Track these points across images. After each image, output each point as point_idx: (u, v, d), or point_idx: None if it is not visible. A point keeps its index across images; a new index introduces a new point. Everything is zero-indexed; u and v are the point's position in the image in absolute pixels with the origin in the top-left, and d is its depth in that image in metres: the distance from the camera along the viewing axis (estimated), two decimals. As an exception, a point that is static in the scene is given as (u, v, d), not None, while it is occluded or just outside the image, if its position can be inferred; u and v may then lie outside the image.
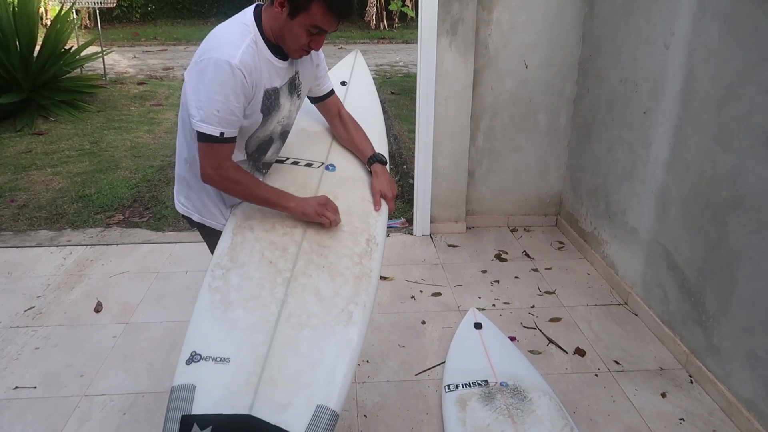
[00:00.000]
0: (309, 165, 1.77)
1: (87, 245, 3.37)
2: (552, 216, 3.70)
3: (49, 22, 10.84)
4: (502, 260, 3.24)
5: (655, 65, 2.57)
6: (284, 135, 1.73)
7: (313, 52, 1.61)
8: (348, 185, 1.72)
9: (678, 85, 2.41)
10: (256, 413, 1.19)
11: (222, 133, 1.44)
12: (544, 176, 3.61)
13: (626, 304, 2.81)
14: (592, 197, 3.23)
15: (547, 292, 2.90)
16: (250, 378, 1.25)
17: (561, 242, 3.47)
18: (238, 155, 1.64)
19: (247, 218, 1.61)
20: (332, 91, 1.83)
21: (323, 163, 1.78)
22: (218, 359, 1.27)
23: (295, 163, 1.77)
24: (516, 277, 3.05)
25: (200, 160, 1.49)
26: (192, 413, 1.18)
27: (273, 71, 1.52)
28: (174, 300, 2.80)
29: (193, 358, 1.28)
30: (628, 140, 2.82)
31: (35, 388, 2.19)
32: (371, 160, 1.79)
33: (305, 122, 1.95)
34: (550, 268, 3.14)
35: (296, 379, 1.25)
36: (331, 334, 1.35)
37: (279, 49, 1.53)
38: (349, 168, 1.79)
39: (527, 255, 3.30)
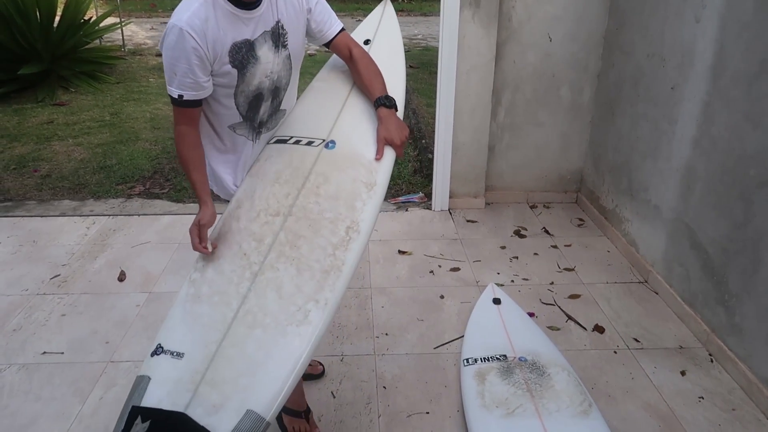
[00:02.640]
0: (310, 143, 1.69)
1: (109, 215, 3.41)
2: (572, 193, 3.67)
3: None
4: (521, 236, 3.23)
5: (685, 39, 2.50)
6: (276, 92, 1.67)
7: None
8: (343, 164, 1.62)
9: (708, 60, 2.35)
10: (190, 412, 1.21)
11: (180, 96, 1.47)
12: (565, 152, 3.57)
13: (646, 282, 2.79)
14: (614, 174, 3.19)
15: (566, 269, 2.89)
16: (194, 376, 1.27)
17: (581, 219, 3.44)
18: (234, 117, 1.63)
19: (238, 206, 1.59)
20: (340, 32, 1.75)
21: (324, 140, 1.69)
22: (174, 354, 1.31)
23: (297, 142, 1.71)
24: (535, 254, 3.04)
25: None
26: (141, 405, 1.23)
27: (238, 23, 1.49)
28: (195, 270, 2.83)
29: (157, 350, 1.32)
30: (653, 116, 2.77)
31: (62, 353, 2.24)
32: (376, 104, 1.67)
33: (319, 86, 1.88)
34: (569, 245, 3.13)
35: (235, 382, 1.25)
36: (282, 335, 1.32)
37: (244, 3, 1.49)
38: (349, 144, 1.68)
39: (547, 231, 3.29)
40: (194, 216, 1.53)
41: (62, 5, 6.36)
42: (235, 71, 1.52)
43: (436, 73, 3.32)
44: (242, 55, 1.51)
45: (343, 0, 14.86)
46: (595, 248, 3.11)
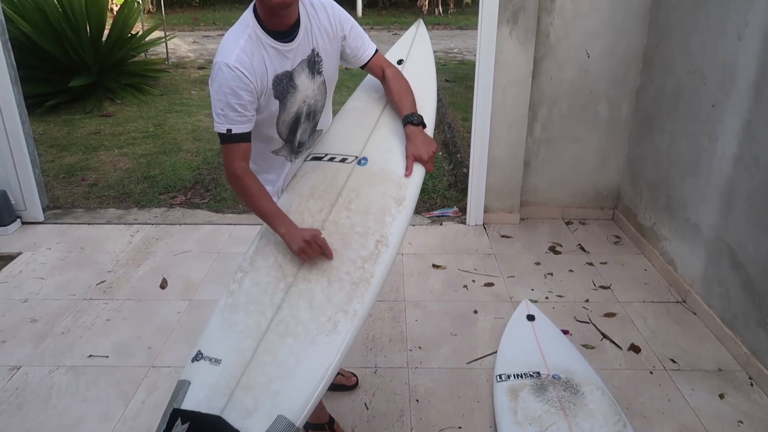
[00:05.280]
0: (343, 160, 1.75)
1: (152, 224, 3.53)
2: (609, 209, 3.63)
3: (114, 8, 11.28)
4: (557, 253, 3.21)
5: (727, 56, 2.48)
6: (312, 115, 1.73)
7: (335, 23, 1.65)
8: (374, 180, 1.68)
9: (750, 78, 2.32)
10: (225, 416, 1.27)
11: (229, 130, 1.51)
12: (602, 168, 3.54)
13: (685, 302, 2.74)
14: (652, 191, 3.15)
15: (602, 287, 2.87)
16: (230, 381, 1.32)
17: (617, 236, 3.41)
18: (277, 143, 1.70)
19: None
20: (375, 54, 1.80)
21: (357, 157, 1.74)
22: (212, 360, 1.37)
23: (332, 159, 1.76)
24: (570, 271, 3.02)
25: (223, 159, 1.59)
26: (181, 408, 1.29)
27: (279, 56, 1.55)
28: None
29: (197, 356, 1.39)
30: (693, 133, 2.74)
31: (107, 357, 2.33)
32: (404, 121, 1.72)
33: (353, 105, 1.94)
34: (605, 263, 3.10)
35: (267, 387, 1.30)
36: (312, 344, 1.37)
37: (282, 34, 1.55)
38: (380, 160, 1.73)
39: (582, 248, 3.26)
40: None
41: (111, 20, 6.62)
42: (277, 102, 1.58)
43: (471, 87, 3.35)
44: (283, 85, 1.57)
45: (379, 14, 15.04)
46: (631, 266, 3.07)
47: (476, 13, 3.22)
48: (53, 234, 3.39)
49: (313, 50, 1.63)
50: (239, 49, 1.48)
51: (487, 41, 3.17)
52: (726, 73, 2.48)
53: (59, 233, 3.40)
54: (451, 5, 15.00)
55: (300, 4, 1.58)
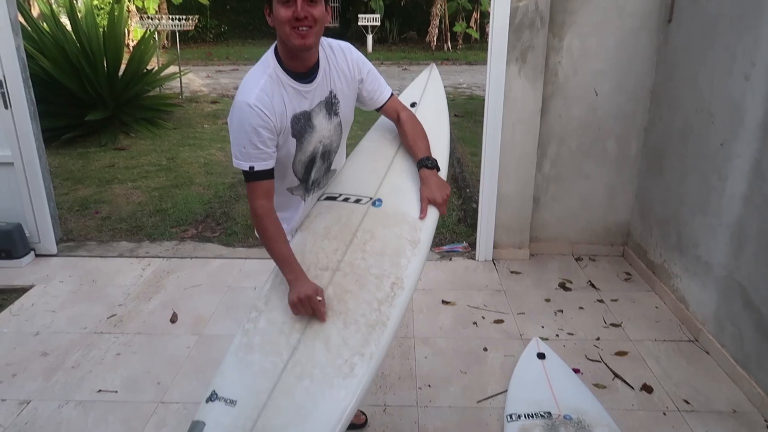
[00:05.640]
0: (358, 201, 1.77)
1: (163, 257, 3.55)
2: (619, 246, 3.63)
3: (131, 43, 11.57)
4: (567, 289, 3.20)
5: (734, 96, 2.51)
6: (327, 154, 1.77)
7: (353, 66, 1.70)
8: (389, 221, 1.69)
9: (758, 118, 2.34)
10: None
11: (252, 167, 1.55)
12: (611, 205, 3.55)
13: (697, 341, 2.71)
14: (662, 228, 3.15)
15: (612, 325, 2.85)
16: (246, 423, 1.32)
17: (628, 273, 3.39)
18: (292, 181, 1.74)
19: None
20: (390, 97, 1.84)
21: (371, 198, 1.77)
22: (228, 401, 1.36)
23: (346, 199, 1.79)
24: (580, 308, 3.00)
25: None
26: None
27: (298, 96, 1.60)
28: (243, 315, 2.90)
29: (212, 396, 1.38)
30: (702, 171, 2.75)
31: (116, 392, 2.33)
32: (418, 165, 1.75)
33: (367, 146, 1.98)
34: (616, 300, 3.08)
35: (284, 431, 1.30)
36: (329, 386, 1.36)
37: (301, 75, 1.60)
38: (395, 202, 1.75)
39: (592, 285, 3.25)
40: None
41: (127, 55, 6.79)
42: (294, 141, 1.62)
43: (480, 121, 3.39)
44: (301, 125, 1.62)
45: (389, 49, 15.30)
46: (642, 304, 3.05)
47: (484, 49, 3.29)
48: (66, 267, 3.43)
49: (330, 92, 1.67)
50: (260, 89, 1.53)
51: (496, 79, 3.22)
52: (734, 112, 2.50)
53: (72, 266, 3.44)
54: (460, 41, 15.24)
55: (320, 46, 1.63)
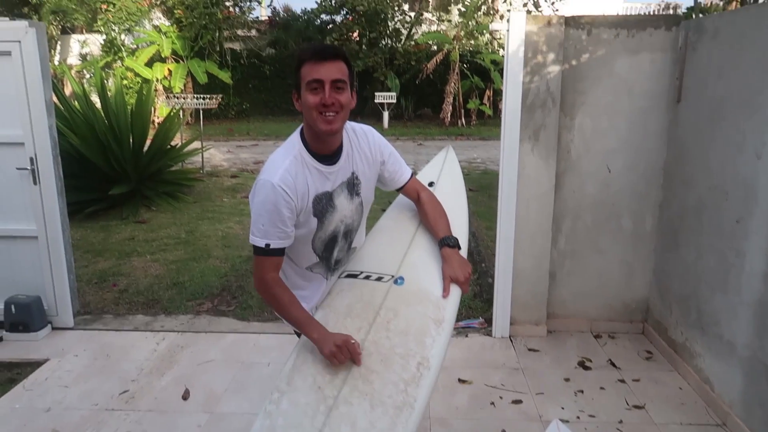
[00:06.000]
0: (379, 279, 1.78)
1: (178, 332, 3.55)
2: (638, 323, 3.56)
3: (156, 120, 12.04)
4: (586, 368, 3.12)
5: (747, 174, 2.53)
6: (348, 234, 1.81)
7: (375, 149, 1.75)
8: (412, 300, 1.69)
9: (772, 196, 2.35)
10: None
11: (268, 245, 1.60)
12: (629, 281, 3.51)
13: (725, 425, 2.60)
14: (682, 306, 3.09)
15: (635, 407, 2.75)
16: None
17: (649, 352, 3.31)
18: (311, 258, 1.76)
19: None
20: (410, 178, 1.90)
21: (393, 276, 1.78)
22: None
23: (367, 277, 1.79)
24: (601, 388, 2.91)
25: (253, 270, 1.66)
26: None
27: (321, 177, 1.65)
28: (256, 392, 2.87)
29: None
30: (719, 248, 2.73)
31: (124, 473, 2.28)
32: (440, 244, 1.78)
33: (387, 224, 2.01)
34: (638, 380, 2.99)
35: None
36: None
37: (326, 157, 1.66)
38: (417, 280, 1.76)
39: (612, 364, 3.16)
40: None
41: (152, 131, 7.05)
42: (315, 220, 1.66)
43: (495, 196, 3.43)
44: (323, 205, 1.66)
45: (404, 125, 15.71)
46: (665, 384, 2.95)
47: (498, 125, 3.37)
48: (81, 340, 3.43)
49: (353, 173, 1.73)
50: (284, 169, 1.58)
51: (510, 157, 3.29)
52: (748, 190, 2.51)
53: (87, 339, 3.44)
54: (474, 117, 15.63)
55: (343, 130, 1.70)
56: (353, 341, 1.53)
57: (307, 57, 1.56)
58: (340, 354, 1.52)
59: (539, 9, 13.82)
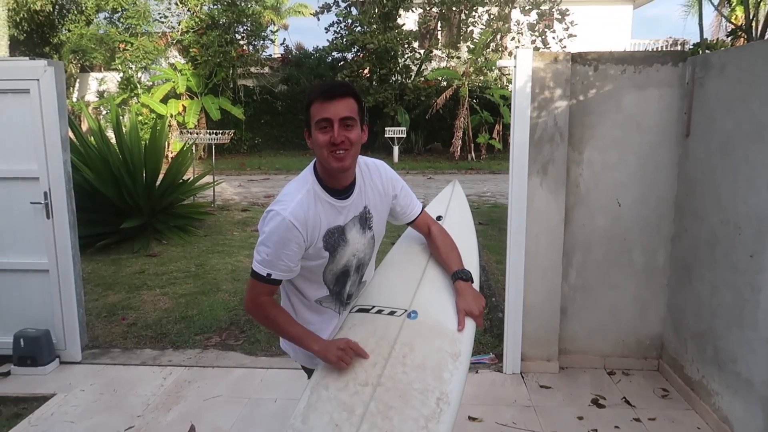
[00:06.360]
0: (392, 313, 1.76)
1: (185, 366, 3.52)
2: (653, 359, 3.48)
3: (169, 155, 12.21)
4: (600, 406, 3.04)
5: (759, 207, 2.50)
6: (361, 267, 1.81)
7: (387, 184, 1.77)
8: (427, 334, 1.68)
9: (786, 231, 2.32)
10: None
11: (269, 274, 1.61)
12: (642, 316, 3.46)
13: (746, 466, 2.52)
14: (697, 342, 3.03)
15: (652, 447, 2.67)
16: None
17: (665, 389, 3.23)
18: (321, 291, 1.76)
19: (324, 375, 1.63)
20: (421, 212, 1.92)
21: (406, 310, 1.76)
22: None
23: (380, 311, 1.78)
24: (616, 427, 2.84)
25: (246, 291, 1.67)
26: None
27: (334, 212, 1.66)
28: (262, 429, 2.82)
29: None
30: (734, 283, 2.69)
31: None
32: (453, 277, 1.79)
33: (397, 258, 2.00)
34: (654, 419, 2.91)
35: None
36: None
37: (339, 191, 1.67)
38: (431, 314, 1.75)
39: (627, 402, 3.09)
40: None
41: (165, 165, 7.14)
42: (327, 254, 1.67)
43: (504, 229, 3.42)
44: (335, 239, 1.67)
45: (414, 159, 15.82)
46: (683, 424, 2.87)
47: (507, 159, 3.38)
48: (88, 374, 3.41)
49: (365, 207, 1.74)
50: (296, 203, 1.59)
51: (519, 191, 3.28)
52: (761, 224, 2.49)
53: (94, 374, 3.42)
54: (483, 151, 15.71)
55: (356, 165, 1.71)
56: (354, 341, 1.59)
57: (315, 96, 1.58)
58: (346, 356, 1.57)
59: (548, 46, 14.02)
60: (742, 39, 4.76)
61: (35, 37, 16.14)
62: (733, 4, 13.32)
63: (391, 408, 1.49)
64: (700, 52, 3.53)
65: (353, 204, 1.70)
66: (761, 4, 4.21)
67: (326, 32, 16.92)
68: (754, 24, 4.23)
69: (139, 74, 15.48)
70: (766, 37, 4.03)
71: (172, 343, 3.89)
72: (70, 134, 3.94)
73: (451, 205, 2.19)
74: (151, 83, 15.74)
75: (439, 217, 2.11)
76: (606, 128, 3.31)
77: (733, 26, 5.73)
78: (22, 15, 14.94)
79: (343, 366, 1.57)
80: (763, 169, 2.48)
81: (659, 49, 16.94)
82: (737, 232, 2.67)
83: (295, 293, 1.78)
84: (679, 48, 16.18)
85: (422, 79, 16.60)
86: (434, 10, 16.13)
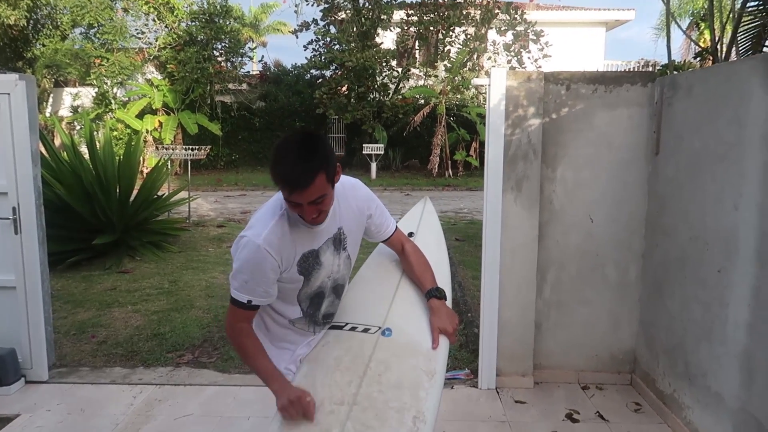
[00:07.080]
0: (366, 330, 1.75)
1: (156, 384, 3.45)
2: (626, 374, 3.52)
3: (145, 170, 12.07)
4: (574, 421, 3.06)
5: (726, 225, 2.56)
6: (338, 288, 1.80)
7: (362, 203, 1.77)
8: (402, 352, 1.67)
9: (752, 246, 2.38)
10: None
11: (249, 301, 1.60)
12: (615, 331, 3.49)
13: (717, 480, 2.54)
14: (669, 356, 3.07)
15: (625, 461, 2.69)
16: None
17: (638, 404, 3.26)
18: (295, 312, 1.74)
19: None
20: (395, 230, 1.92)
21: (380, 328, 1.75)
22: None
23: (353, 329, 1.77)
24: (590, 442, 2.85)
25: (226, 317, 1.66)
26: None
27: (308, 236, 1.65)
28: (235, 447, 2.77)
29: None
30: (703, 299, 2.74)
31: None
32: (428, 295, 1.80)
33: (369, 274, 2.00)
34: (627, 433, 2.93)
35: None
36: None
37: None
38: (405, 332, 1.74)
39: (601, 416, 3.11)
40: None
41: (140, 180, 7.05)
42: (301, 278, 1.66)
43: (480, 245, 3.44)
44: (309, 263, 1.66)
45: (392, 176, 15.88)
46: (655, 438, 2.90)
47: (484, 175, 3.41)
48: (55, 394, 3.32)
49: (339, 228, 1.73)
50: (269, 230, 1.57)
51: (493, 207, 3.32)
52: (728, 240, 2.54)
53: (61, 393, 3.33)
54: (460, 168, 15.85)
55: None
56: (309, 398, 1.51)
57: (281, 185, 1.50)
58: (291, 409, 1.50)
59: (523, 66, 14.28)
60: (709, 61, 4.90)
61: (8, 52, 15.91)
62: (702, 28, 13.76)
63: (368, 428, 1.47)
64: (668, 73, 3.62)
65: (327, 227, 1.69)
66: (726, 27, 4.35)
67: (305, 50, 17.08)
68: (719, 46, 4.37)
69: (115, 89, 15.33)
70: (730, 59, 4.16)
71: (143, 361, 3.81)
72: (42, 149, 3.87)
73: (423, 221, 2.21)
74: (126, 99, 15.59)
75: (410, 234, 2.12)
76: (578, 146, 3.36)
77: (700, 48, 5.91)
78: (-5, 29, 14.75)
79: (285, 416, 1.51)
80: (730, 187, 2.54)
81: (631, 69, 17.35)
82: (705, 248, 2.72)
83: (268, 312, 1.76)
84: (650, 69, 16.61)
85: (400, 96, 16.74)
86: (412, 29, 16.32)
